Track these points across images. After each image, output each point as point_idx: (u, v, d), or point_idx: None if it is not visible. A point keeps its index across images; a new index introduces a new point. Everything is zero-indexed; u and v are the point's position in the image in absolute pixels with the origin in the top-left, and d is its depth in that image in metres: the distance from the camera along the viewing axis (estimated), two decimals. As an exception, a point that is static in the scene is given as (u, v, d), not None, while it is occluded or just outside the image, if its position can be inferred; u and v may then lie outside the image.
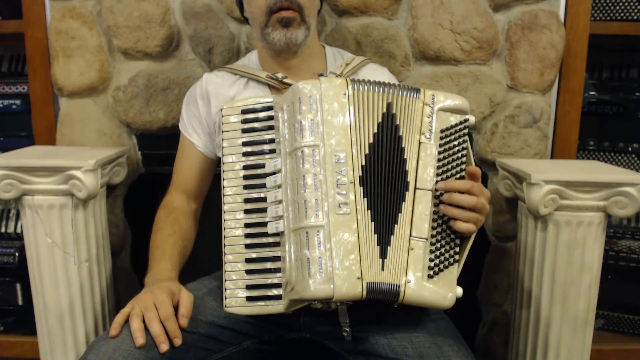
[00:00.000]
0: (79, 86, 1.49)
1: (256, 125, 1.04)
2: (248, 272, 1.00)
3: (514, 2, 1.44)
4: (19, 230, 1.70)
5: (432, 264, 0.94)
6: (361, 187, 0.92)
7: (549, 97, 1.50)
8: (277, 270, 0.98)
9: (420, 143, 0.97)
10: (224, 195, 1.03)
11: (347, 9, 1.44)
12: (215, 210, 1.08)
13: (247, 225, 1.01)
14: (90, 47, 1.48)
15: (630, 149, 1.76)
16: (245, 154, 1.03)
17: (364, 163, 0.94)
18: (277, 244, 0.98)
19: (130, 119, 1.50)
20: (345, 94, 0.95)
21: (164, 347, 0.87)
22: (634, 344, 1.66)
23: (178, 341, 0.89)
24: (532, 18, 1.43)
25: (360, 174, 0.93)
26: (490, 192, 1.00)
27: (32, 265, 1.29)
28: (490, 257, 1.58)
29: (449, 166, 0.98)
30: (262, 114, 1.04)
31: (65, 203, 1.25)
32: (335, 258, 0.88)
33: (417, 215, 0.94)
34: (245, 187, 1.02)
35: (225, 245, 1.01)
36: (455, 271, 0.96)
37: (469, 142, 1.00)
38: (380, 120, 0.96)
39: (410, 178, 0.95)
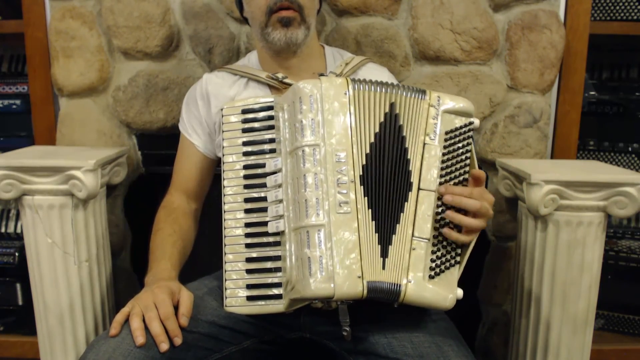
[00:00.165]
0: (79, 86, 1.49)
1: (256, 125, 1.04)
2: (248, 271, 1.00)
3: (514, 2, 1.44)
4: (19, 230, 1.70)
5: (433, 265, 0.94)
6: (362, 186, 0.92)
7: (549, 97, 1.50)
8: (278, 269, 0.98)
9: (424, 144, 0.97)
10: (224, 195, 1.03)
11: (347, 9, 1.44)
12: (216, 210, 1.09)
13: (247, 225, 1.01)
14: (90, 47, 1.48)
15: (630, 149, 1.76)
16: (246, 154, 1.04)
17: (364, 162, 0.94)
18: (277, 244, 0.98)
19: (130, 119, 1.50)
20: (345, 94, 0.96)
21: (164, 346, 0.87)
22: (634, 344, 1.66)
23: (178, 340, 0.89)
24: (532, 18, 1.43)
25: (361, 173, 0.93)
26: (490, 192, 1.00)
27: (32, 265, 1.29)
28: (490, 257, 1.58)
29: (453, 168, 0.98)
30: (262, 114, 1.04)
31: (65, 203, 1.25)
32: (336, 257, 0.88)
33: (419, 215, 0.94)
34: (246, 186, 1.03)
35: (225, 245, 1.01)
36: (456, 272, 0.96)
37: (472, 145, 1.00)
38: (382, 120, 0.96)
39: (414, 178, 0.96)
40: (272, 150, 1.02)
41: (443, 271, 0.95)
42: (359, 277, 0.88)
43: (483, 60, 1.46)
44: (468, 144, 1.00)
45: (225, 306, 1.00)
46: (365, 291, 0.88)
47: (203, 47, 1.46)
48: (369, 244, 0.91)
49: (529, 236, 1.31)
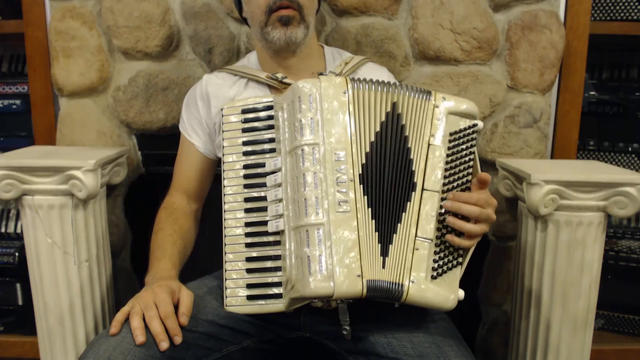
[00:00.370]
0: (79, 86, 1.49)
1: (256, 124, 1.04)
2: (248, 270, 1.00)
3: (514, 2, 1.44)
4: (19, 230, 1.70)
5: (435, 265, 0.94)
6: (361, 185, 0.93)
7: (549, 97, 1.50)
8: (278, 268, 0.98)
9: (429, 145, 0.97)
10: (224, 195, 1.04)
11: (347, 9, 1.44)
12: (216, 210, 1.09)
13: (247, 224, 1.01)
14: (90, 47, 1.48)
15: (630, 149, 1.76)
16: (246, 153, 1.04)
17: (364, 161, 0.94)
18: (277, 243, 0.99)
19: (130, 119, 1.50)
20: (345, 93, 0.96)
21: (164, 345, 0.87)
22: (634, 344, 1.66)
23: (178, 339, 0.89)
24: (532, 18, 1.43)
25: (360, 172, 0.93)
26: (490, 193, 1.00)
27: (32, 265, 1.29)
28: (490, 257, 1.58)
29: (456, 169, 0.98)
30: (262, 114, 1.04)
31: (65, 203, 1.25)
32: (335, 256, 0.88)
33: (423, 215, 0.94)
34: (246, 186, 1.03)
35: (225, 244, 1.02)
36: (458, 273, 0.96)
37: (476, 147, 1.00)
38: (384, 119, 0.97)
39: (418, 179, 0.96)
40: (272, 150, 1.02)
41: (445, 272, 0.95)
42: (359, 276, 0.88)
43: (483, 60, 1.46)
44: (472, 146, 1.00)
45: (226, 305, 1.00)
46: (365, 290, 0.88)
47: (203, 47, 1.46)
48: (368, 242, 0.91)
49: (529, 236, 1.31)
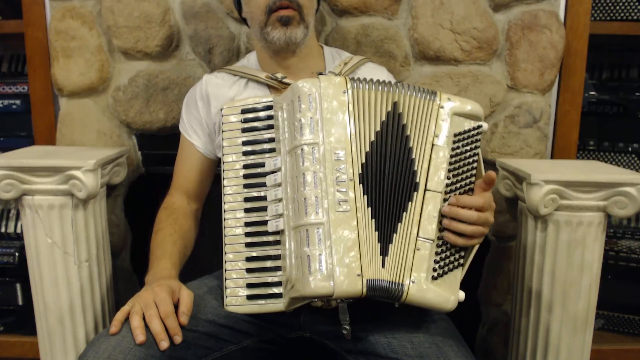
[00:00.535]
0: (79, 86, 1.49)
1: (256, 124, 1.04)
2: (248, 270, 1.00)
3: (514, 2, 1.44)
4: (19, 230, 1.70)
5: (436, 266, 0.94)
6: (361, 185, 0.93)
7: (549, 97, 1.50)
8: (278, 268, 0.98)
9: (433, 145, 0.97)
10: (224, 195, 1.04)
11: (347, 9, 1.44)
12: (216, 210, 1.09)
13: (247, 224, 1.01)
14: (90, 47, 1.48)
15: (630, 149, 1.76)
16: (245, 153, 1.04)
17: (364, 161, 0.94)
18: (277, 242, 0.99)
19: (130, 119, 1.50)
20: (344, 92, 0.96)
21: (164, 344, 0.87)
22: (634, 344, 1.66)
23: (178, 339, 0.89)
24: (532, 18, 1.43)
25: (360, 172, 0.93)
26: (492, 194, 1.00)
27: (32, 265, 1.29)
28: (490, 257, 1.58)
29: (460, 170, 0.98)
30: (261, 114, 1.04)
31: (65, 203, 1.25)
32: (335, 255, 0.88)
33: (425, 216, 0.94)
34: (246, 186, 1.03)
35: (225, 244, 1.02)
36: (459, 275, 0.96)
37: (480, 149, 1.00)
38: (384, 119, 0.96)
39: (420, 179, 0.95)
40: (272, 150, 1.02)
41: (446, 272, 0.94)
42: (358, 275, 0.88)
43: (483, 60, 1.46)
44: (476, 147, 1.00)
45: (226, 305, 1.00)
46: (365, 289, 0.88)
47: (203, 47, 1.46)
48: (368, 242, 0.91)
49: (529, 236, 1.31)
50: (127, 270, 1.62)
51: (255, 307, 0.99)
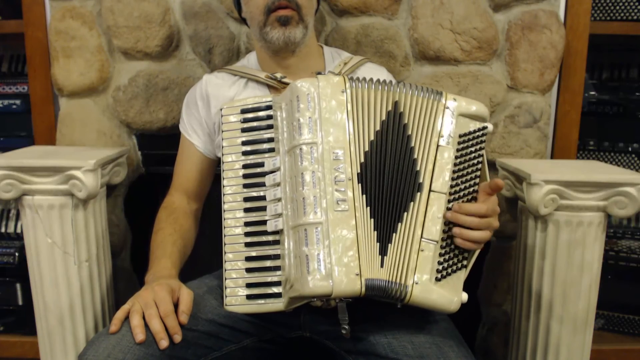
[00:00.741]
0: (79, 86, 1.49)
1: (255, 124, 1.04)
2: (248, 270, 1.00)
3: (514, 2, 1.44)
4: (19, 230, 1.70)
5: (440, 267, 0.93)
6: (359, 184, 0.92)
7: (549, 97, 1.50)
8: (277, 268, 0.98)
9: (438, 146, 0.96)
10: (223, 195, 1.04)
11: (347, 9, 1.44)
12: (216, 210, 1.09)
13: (246, 224, 1.01)
14: (90, 47, 1.48)
15: (630, 149, 1.76)
16: (245, 153, 1.04)
17: (363, 160, 0.94)
18: (276, 242, 0.99)
19: (130, 119, 1.50)
20: (343, 92, 0.96)
21: (164, 343, 0.87)
22: (634, 344, 1.66)
23: (178, 338, 0.89)
24: (532, 18, 1.43)
25: (359, 171, 0.93)
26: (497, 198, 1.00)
27: (32, 265, 1.29)
28: (490, 257, 1.58)
29: (464, 172, 0.98)
30: (261, 113, 1.04)
31: (65, 203, 1.25)
32: (334, 255, 0.88)
33: (429, 217, 0.94)
34: (245, 186, 1.03)
35: (225, 244, 1.02)
36: (462, 276, 0.96)
37: (485, 151, 1.00)
38: (384, 118, 0.96)
39: (424, 179, 0.95)
40: (271, 150, 1.02)
41: (450, 274, 0.94)
42: (357, 274, 0.88)
43: (483, 60, 1.46)
44: (481, 149, 0.99)
45: (225, 305, 1.00)
46: (364, 289, 0.88)
47: (203, 47, 1.46)
48: (367, 241, 0.91)
49: (529, 236, 1.31)
50: (127, 270, 1.62)
51: (254, 307, 0.99)
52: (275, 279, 0.98)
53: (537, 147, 1.49)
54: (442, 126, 0.97)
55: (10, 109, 1.74)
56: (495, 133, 1.49)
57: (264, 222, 1.00)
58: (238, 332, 1.02)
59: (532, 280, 1.30)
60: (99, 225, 1.35)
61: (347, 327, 0.92)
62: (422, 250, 0.93)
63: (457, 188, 0.97)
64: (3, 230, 1.70)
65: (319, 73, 0.99)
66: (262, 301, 0.99)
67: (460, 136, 0.98)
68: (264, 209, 1.00)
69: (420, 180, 0.95)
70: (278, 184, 0.98)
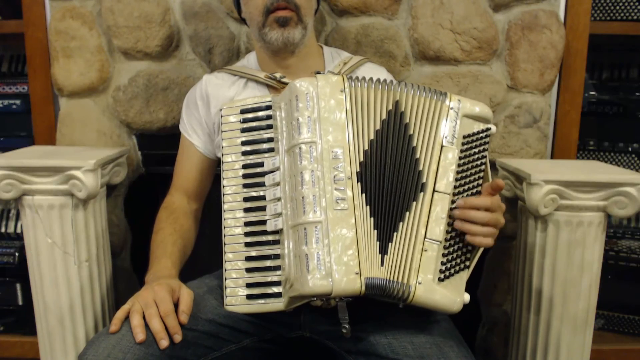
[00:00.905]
0: (79, 86, 1.49)
1: (255, 124, 1.05)
2: (248, 270, 1.00)
3: (514, 2, 1.44)
4: (19, 230, 1.70)
5: (443, 268, 0.93)
6: (359, 183, 0.92)
7: (549, 97, 1.50)
8: (277, 268, 0.98)
9: (442, 146, 0.96)
10: (223, 195, 1.04)
11: (347, 9, 1.44)
12: (216, 210, 1.09)
13: (246, 224, 1.01)
14: (90, 47, 1.48)
15: (630, 149, 1.76)
16: (245, 153, 1.04)
17: (362, 159, 0.94)
18: (276, 242, 0.99)
19: (130, 119, 1.50)
20: (342, 91, 0.96)
21: (164, 343, 0.87)
22: (634, 344, 1.66)
23: (178, 337, 0.89)
24: (532, 18, 1.43)
25: (358, 170, 0.93)
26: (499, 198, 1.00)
27: (32, 265, 1.29)
28: (490, 257, 1.58)
29: (468, 172, 0.98)
30: (260, 113, 1.05)
31: (65, 203, 1.25)
32: (333, 253, 0.88)
33: (433, 217, 0.94)
34: (245, 185, 1.03)
35: (225, 244, 1.02)
36: (465, 277, 0.96)
37: (487, 152, 1.00)
38: (385, 117, 0.96)
39: (428, 179, 0.95)
40: (271, 149, 1.02)
41: (452, 274, 0.94)
42: (357, 273, 0.88)
43: (483, 60, 1.46)
44: (484, 150, 0.99)
45: (226, 305, 1.00)
46: (363, 288, 0.88)
47: (203, 47, 1.46)
48: (366, 240, 0.91)
49: (529, 236, 1.31)
50: (127, 270, 1.62)
51: (255, 307, 0.99)
52: (275, 278, 0.98)
53: (537, 147, 1.49)
54: (447, 127, 0.97)
55: (10, 109, 1.74)
56: (495, 133, 1.49)
57: (263, 222, 1.00)
58: (238, 332, 1.02)
59: (532, 280, 1.30)
60: (99, 225, 1.35)
61: (347, 326, 0.92)
62: (425, 251, 0.92)
63: (461, 189, 0.97)
64: (3, 230, 1.70)
65: (318, 72, 0.99)
66: (262, 301, 0.99)
67: (464, 137, 0.98)
68: (263, 208, 1.00)
69: (424, 180, 0.95)
70: (278, 184, 0.98)
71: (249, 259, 1.00)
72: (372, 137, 0.95)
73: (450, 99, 0.99)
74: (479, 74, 1.46)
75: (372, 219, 0.92)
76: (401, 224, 0.94)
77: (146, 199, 1.60)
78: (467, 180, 0.97)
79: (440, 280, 0.93)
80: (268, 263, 0.99)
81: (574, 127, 1.55)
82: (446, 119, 0.97)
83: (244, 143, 1.04)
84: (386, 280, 0.90)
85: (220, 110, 1.08)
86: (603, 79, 1.80)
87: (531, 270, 1.30)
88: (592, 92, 1.74)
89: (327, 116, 0.94)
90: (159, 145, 1.54)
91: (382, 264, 0.91)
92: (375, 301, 0.95)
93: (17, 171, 1.23)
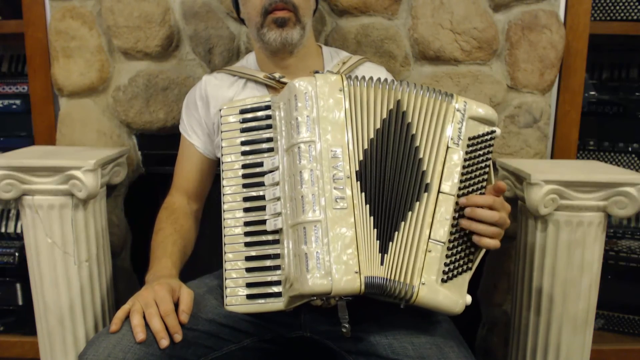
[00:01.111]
0: (79, 86, 1.49)
1: (254, 124, 1.05)
2: (248, 270, 1.00)
3: (514, 2, 1.44)
4: (19, 230, 1.70)
5: (446, 269, 0.93)
6: (358, 182, 0.92)
7: (549, 97, 1.50)
8: (277, 267, 0.98)
9: (448, 147, 0.96)
10: (223, 195, 1.04)
11: (347, 9, 1.44)
12: (216, 210, 1.09)
13: (246, 224, 1.01)
14: (90, 47, 1.48)
15: (630, 149, 1.76)
16: (244, 153, 1.04)
17: (361, 158, 0.94)
18: (276, 242, 0.98)
19: (130, 119, 1.50)
20: (340, 90, 0.96)
21: (165, 342, 0.87)
22: (634, 344, 1.66)
23: (178, 337, 0.89)
24: (532, 18, 1.43)
25: (357, 169, 0.93)
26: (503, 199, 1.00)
27: (32, 265, 1.29)
28: (490, 257, 1.58)
29: (472, 175, 0.98)
30: (260, 113, 1.05)
31: (65, 203, 1.25)
32: (333, 253, 0.87)
33: (437, 218, 0.94)
34: (244, 185, 1.03)
35: (225, 244, 1.02)
36: (467, 278, 0.96)
37: (491, 155, 1.00)
38: (385, 116, 0.96)
39: (433, 180, 0.95)
40: (270, 149, 1.02)
41: (455, 276, 0.94)
42: (356, 272, 0.88)
43: (483, 60, 1.46)
44: (489, 152, 1.00)
45: (226, 305, 1.00)
46: (363, 287, 0.87)
47: (203, 47, 1.46)
48: (366, 239, 0.91)
49: (529, 236, 1.31)
50: (127, 270, 1.62)
51: (255, 307, 0.99)
52: (275, 278, 0.98)
53: (537, 147, 1.49)
54: (452, 128, 0.97)
55: (10, 109, 1.74)
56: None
57: (263, 222, 1.00)
58: (238, 332, 1.02)
59: (532, 280, 1.30)
60: (99, 225, 1.35)
61: (347, 325, 0.92)
62: (429, 251, 0.92)
63: (465, 191, 0.97)
64: (3, 230, 1.70)
65: (317, 72, 0.99)
66: (262, 301, 0.99)
67: (469, 139, 0.98)
68: (263, 208, 1.00)
69: (428, 181, 0.95)
70: (277, 183, 0.98)
71: (248, 258, 1.00)
72: (372, 136, 0.95)
73: (457, 101, 0.99)
74: (479, 74, 1.46)
75: (371, 218, 0.92)
76: (403, 223, 0.94)
77: (146, 199, 1.60)
78: (472, 182, 0.97)
79: (444, 281, 0.93)
80: (268, 263, 0.99)
81: (574, 127, 1.55)
82: (452, 120, 0.97)
83: (243, 143, 1.04)
84: (385, 279, 0.90)
85: (220, 110, 1.08)
86: (603, 79, 1.80)
87: (531, 270, 1.30)
88: (592, 92, 1.74)
89: (326, 115, 0.94)
90: (159, 145, 1.54)
91: (382, 263, 0.91)
92: (375, 301, 0.95)
93: (17, 171, 1.23)
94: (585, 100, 1.71)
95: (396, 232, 0.93)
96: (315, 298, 0.92)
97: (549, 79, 1.47)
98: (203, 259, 1.31)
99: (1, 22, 1.62)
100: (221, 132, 1.06)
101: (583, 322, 1.27)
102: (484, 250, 0.97)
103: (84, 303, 1.30)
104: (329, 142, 0.93)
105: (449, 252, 0.94)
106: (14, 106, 1.74)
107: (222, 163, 1.05)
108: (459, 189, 0.96)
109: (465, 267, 0.96)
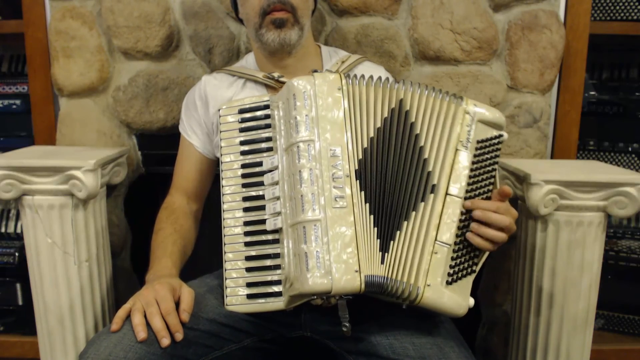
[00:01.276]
0: (79, 86, 1.49)
1: (253, 124, 1.04)
2: (248, 269, 1.00)
3: (514, 2, 1.44)
4: (19, 230, 1.70)
5: (451, 271, 0.93)
6: (357, 181, 0.92)
7: (549, 97, 1.50)
8: (277, 267, 0.98)
9: (456, 150, 0.96)
10: (223, 195, 1.04)
11: (347, 9, 1.44)
12: (215, 210, 1.09)
13: (246, 224, 1.01)
14: (90, 47, 1.48)
15: (630, 149, 1.76)
16: (243, 153, 1.04)
17: (361, 157, 0.94)
18: (276, 241, 0.98)
19: (130, 119, 1.50)
20: (339, 89, 0.96)
21: (166, 341, 0.87)
22: (634, 344, 1.66)
23: (179, 336, 0.89)
24: (532, 18, 1.43)
25: (357, 168, 0.93)
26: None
27: (32, 265, 1.29)
28: (490, 257, 1.57)
29: (479, 178, 0.97)
30: (259, 113, 1.04)
31: (65, 203, 1.25)
32: (332, 252, 0.87)
33: (444, 220, 0.93)
34: (244, 185, 1.03)
35: (225, 244, 1.02)
36: (471, 281, 0.96)
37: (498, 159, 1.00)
38: (387, 115, 0.96)
39: (440, 182, 0.95)
40: (269, 149, 1.02)
41: (460, 278, 0.94)
42: (356, 271, 0.87)
43: (483, 60, 1.46)
44: (496, 156, 1.00)
45: (226, 305, 1.00)
46: (363, 285, 0.87)
47: (203, 47, 1.46)
48: (366, 238, 0.91)
49: (529, 236, 1.31)
50: (127, 270, 1.62)
51: (255, 306, 0.99)
52: (275, 277, 0.98)
53: (537, 147, 1.49)
54: (462, 130, 0.97)
55: (10, 109, 1.74)
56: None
57: (263, 221, 0.99)
58: (239, 332, 1.02)
59: (532, 280, 1.30)
60: (99, 225, 1.35)
61: (347, 324, 0.92)
62: (435, 253, 0.92)
63: (472, 194, 0.97)
64: (3, 230, 1.70)
65: (315, 71, 0.99)
66: (263, 300, 0.99)
67: (478, 142, 0.98)
68: (263, 208, 1.00)
69: (434, 182, 0.95)
70: (276, 183, 0.98)
71: (248, 258, 1.00)
72: (372, 135, 0.95)
73: (467, 103, 0.99)
74: (479, 74, 1.46)
75: (371, 216, 0.92)
76: (406, 223, 0.94)
77: (146, 199, 1.60)
78: (478, 185, 0.97)
79: (448, 283, 0.93)
80: (268, 262, 0.99)
81: (574, 127, 1.55)
82: (461, 123, 0.97)
83: (242, 143, 1.04)
84: (386, 277, 0.90)
85: (219, 110, 1.08)
86: (603, 79, 1.79)
87: (531, 270, 1.30)
88: (592, 92, 1.74)
89: (325, 114, 0.94)
90: (159, 145, 1.54)
91: (382, 262, 0.91)
92: (376, 301, 0.95)
93: (17, 171, 1.23)
94: (585, 100, 1.71)
95: (398, 231, 0.93)
96: (315, 297, 0.92)
97: (549, 79, 1.47)
98: (203, 259, 1.31)
99: (1, 22, 1.62)
100: (220, 132, 1.06)
101: (583, 322, 1.27)
102: (487, 253, 0.97)
103: (84, 303, 1.30)
104: (328, 141, 0.93)
105: (454, 255, 0.94)
106: (14, 106, 1.74)
107: (222, 163, 1.05)
108: (467, 191, 0.96)
109: (469, 269, 0.96)
